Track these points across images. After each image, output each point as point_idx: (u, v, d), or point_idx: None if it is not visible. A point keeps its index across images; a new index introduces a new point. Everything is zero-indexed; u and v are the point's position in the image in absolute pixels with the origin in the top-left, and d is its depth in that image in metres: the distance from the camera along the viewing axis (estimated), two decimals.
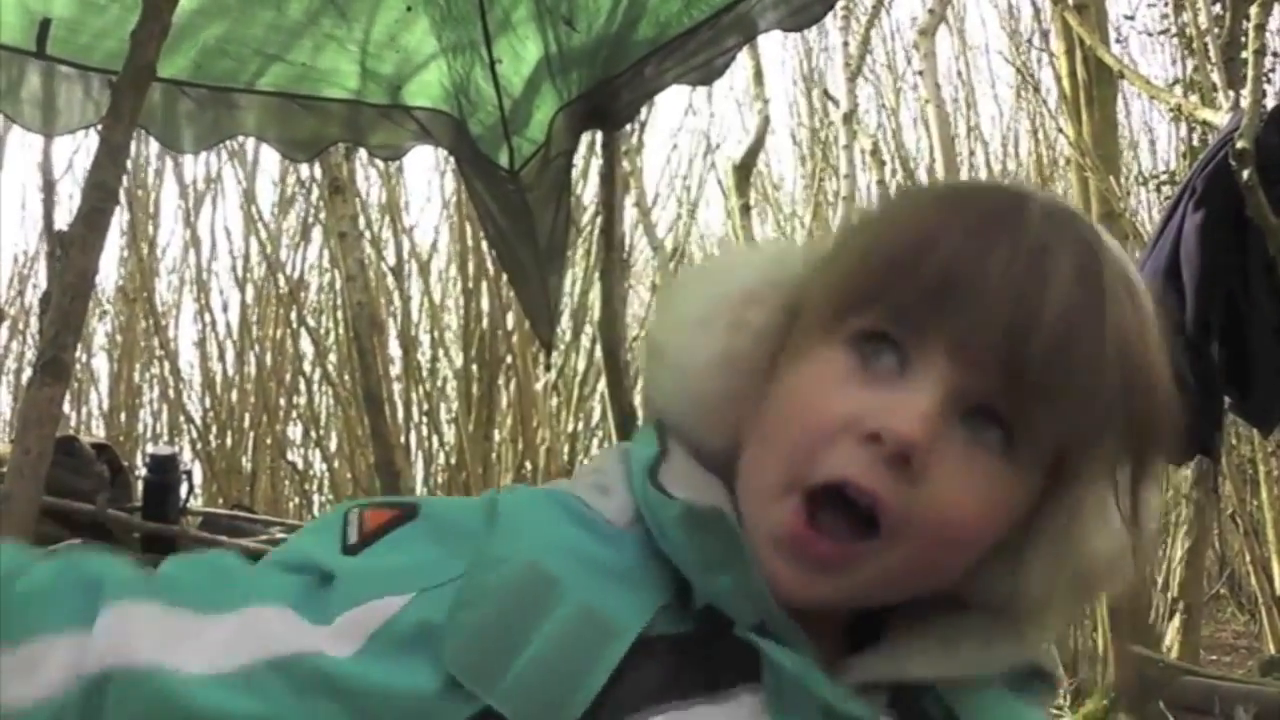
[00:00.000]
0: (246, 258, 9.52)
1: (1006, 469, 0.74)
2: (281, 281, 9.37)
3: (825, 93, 9.94)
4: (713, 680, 0.73)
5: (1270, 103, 4.05)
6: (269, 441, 9.43)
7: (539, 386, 8.33)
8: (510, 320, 8.22)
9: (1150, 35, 9.04)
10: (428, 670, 0.72)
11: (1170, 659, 6.57)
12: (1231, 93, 4.27)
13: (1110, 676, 6.68)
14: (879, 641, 0.80)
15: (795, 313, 0.81)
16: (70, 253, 2.38)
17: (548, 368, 8.26)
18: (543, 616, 0.72)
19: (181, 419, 9.36)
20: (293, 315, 9.49)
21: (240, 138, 4.18)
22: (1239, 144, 3.46)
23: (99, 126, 2.65)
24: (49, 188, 7.88)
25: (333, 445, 9.90)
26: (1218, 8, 6.76)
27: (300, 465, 9.94)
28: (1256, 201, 3.45)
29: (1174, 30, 8.42)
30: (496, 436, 8.51)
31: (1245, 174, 3.44)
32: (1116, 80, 6.60)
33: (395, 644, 0.73)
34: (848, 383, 0.74)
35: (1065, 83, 6.86)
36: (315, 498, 10.04)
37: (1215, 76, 5.03)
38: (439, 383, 9.61)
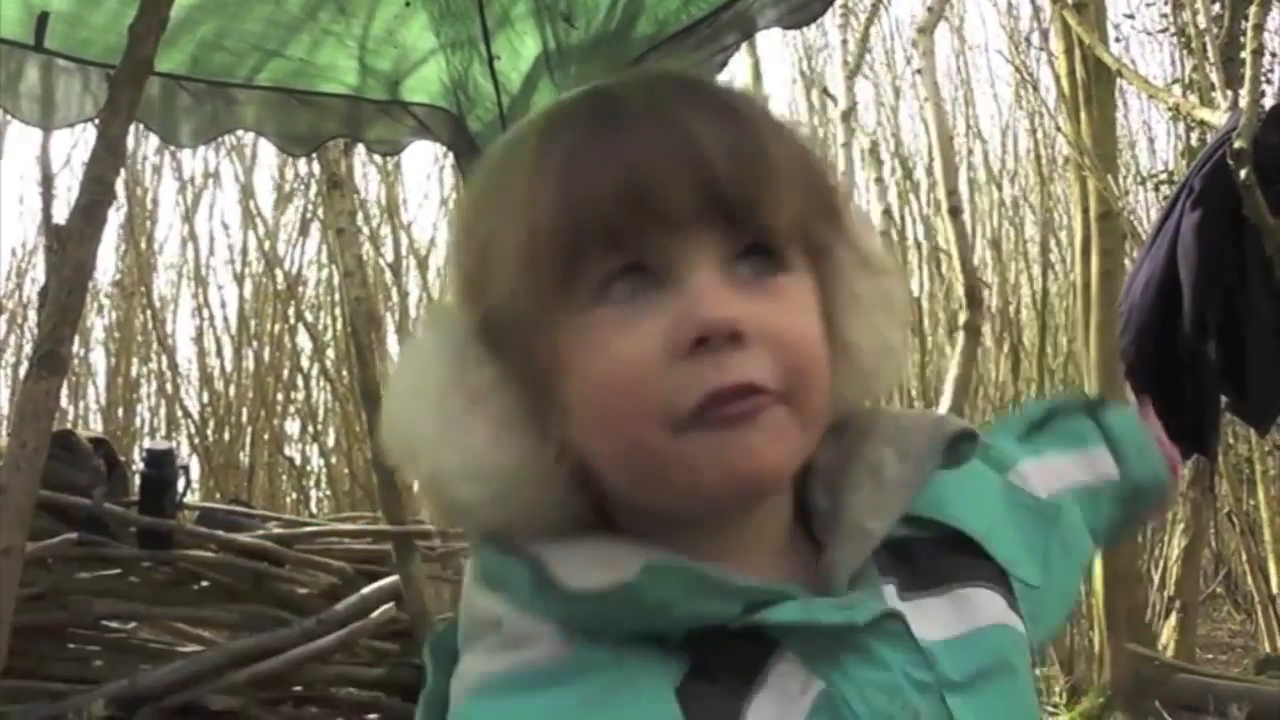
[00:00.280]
0: (245, 253, 9.53)
1: (789, 278, 0.75)
2: (280, 277, 9.37)
3: (824, 91, 9.94)
4: (746, 673, 0.73)
5: (1268, 102, 4.05)
6: (266, 437, 9.44)
7: None
8: None
9: (1150, 35, 9.05)
10: None
11: (1166, 657, 6.58)
12: (1230, 92, 4.27)
13: (1106, 675, 6.67)
14: (820, 542, 0.80)
15: (506, 330, 0.77)
16: (67, 246, 2.39)
17: None
18: None
19: (179, 414, 9.37)
20: (290, 311, 9.49)
21: (238, 132, 4.18)
22: (1237, 143, 3.46)
23: (97, 120, 2.66)
24: (47, 181, 7.88)
25: (330, 441, 9.91)
26: (1216, 7, 6.76)
27: (297, 460, 9.95)
28: (1254, 201, 3.45)
29: (1173, 29, 8.42)
30: None
31: (1243, 173, 3.44)
32: (1115, 79, 6.60)
33: None
34: (630, 330, 0.72)
35: (1064, 82, 6.86)
36: (312, 493, 10.05)
37: (1214, 76, 5.03)
38: None
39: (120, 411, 9.60)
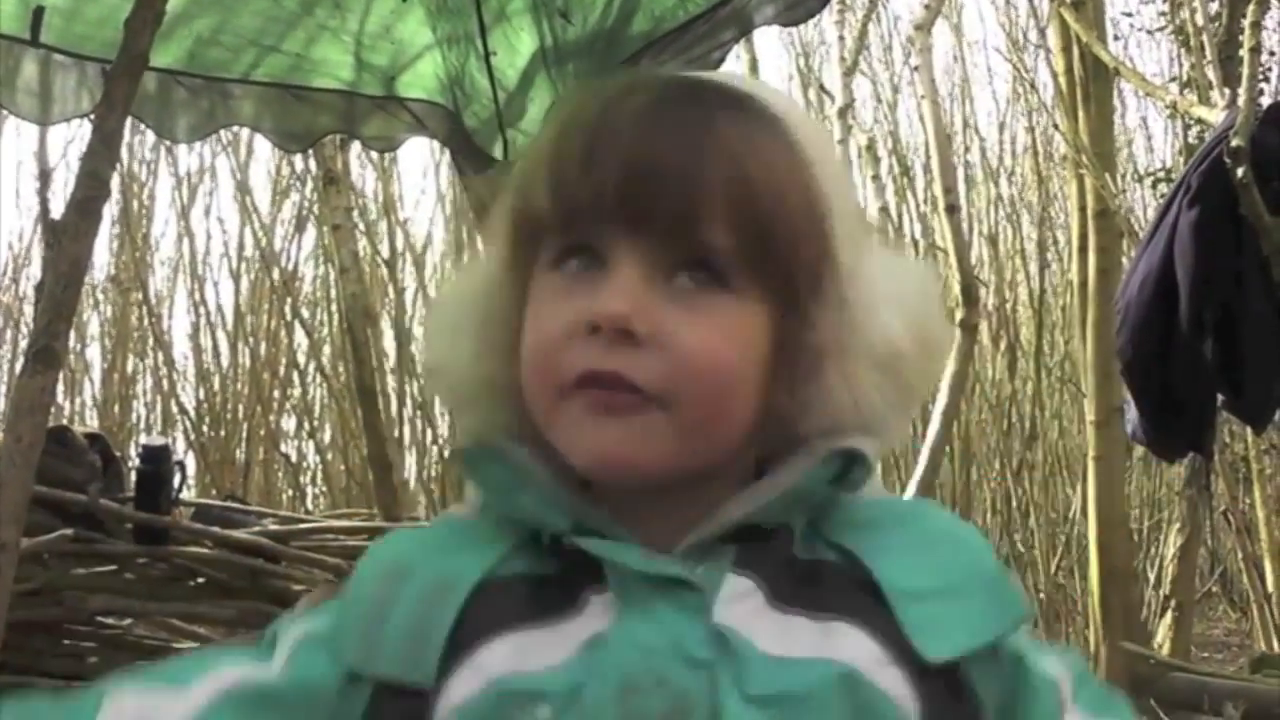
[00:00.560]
0: (241, 249, 9.52)
1: (729, 299, 0.81)
2: (275, 273, 9.36)
3: (821, 88, 9.94)
4: (569, 598, 0.80)
5: (1266, 101, 4.05)
6: (262, 433, 9.43)
7: None
8: None
9: (1149, 33, 9.04)
10: (330, 669, 0.84)
11: (1161, 656, 6.58)
12: (1227, 90, 4.27)
13: (1101, 673, 6.68)
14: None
15: (508, 260, 0.89)
16: (63, 241, 2.38)
17: None
18: (400, 594, 0.83)
19: (175, 410, 9.36)
20: (287, 307, 9.48)
21: (235, 128, 4.18)
22: (1234, 142, 3.46)
23: (92, 116, 2.65)
24: (44, 176, 7.87)
25: (326, 437, 9.90)
26: (1215, 5, 6.76)
27: (293, 457, 9.93)
28: (1251, 199, 3.45)
29: (1171, 27, 8.42)
30: None
31: (1240, 172, 3.44)
32: (1113, 77, 6.60)
33: (305, 652, 0.87)
34: (563, 299, 0.82)
35: (1061, 80, 6.85)
36: (308, 489, 10.04)
37: (1211, 74, 5.03)
38: None
39: (116, 407, 9.58)
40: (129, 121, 2.71)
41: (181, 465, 4.64)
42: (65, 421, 7.36)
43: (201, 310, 9.40)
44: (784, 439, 0.85)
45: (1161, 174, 9.00)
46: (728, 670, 0.76)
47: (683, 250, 0.80)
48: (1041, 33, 8.51)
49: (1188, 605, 7.29)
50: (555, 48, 3.40)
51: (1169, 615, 7.17)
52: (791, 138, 0.85)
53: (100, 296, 9.51)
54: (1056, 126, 8.15)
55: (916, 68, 7.54)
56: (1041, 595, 8.58)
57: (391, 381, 8.79)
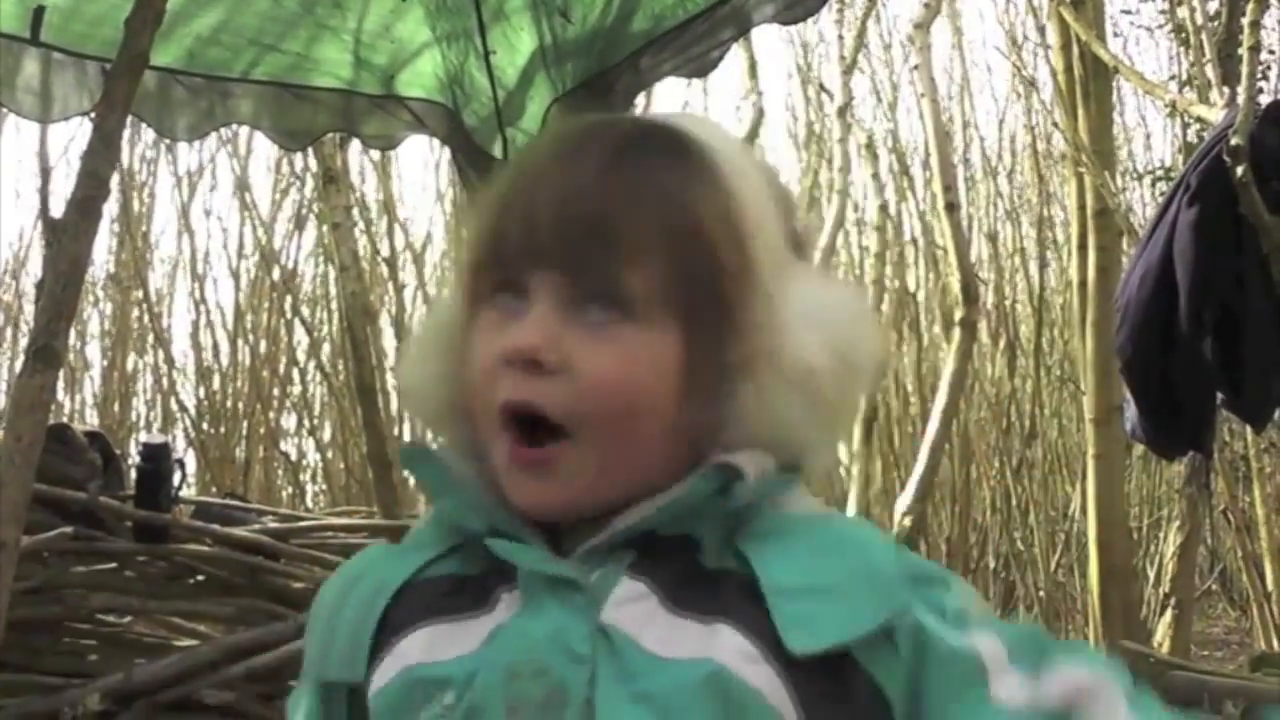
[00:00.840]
0: (241, 247, 9.52)
1: (636, 329, 0.86)
2: (275, 271, 9.37)
3: (820, 86, 9.94)
4: (484, 595, 0.88)
5: (1265, 99, 4.05)
6: (262, 431, 9.44)
7: None
8: None
9: (1148, 31, 9.05)
10: (309, 696, 0.95)
11: (1161, 654, 6.58)
12: (1227, 89, 4.27)
13: None
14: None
15: (460, 295, 0.95)
16: (63, 240, 2.39)
17: None
18: (347, 602, 0.92)
19: (175, 407, 9.36)
20: (287, 305, 9.49)
21: (234, 126, 4.18)
22: (1233, 140, 3.46)
23: (93, 114, 2.65)
24: (45, 175, 7.86)
25: (326, 435, 9.91)
26: (1214, 4, 6.76)
27: (293, 455, 9.95)
28: (1250, 198, 3.45)
29: (1170, 26, 8.42)
30: None
31: (1239, 170, 3.44)
32: (1112, 76, 6.59)
33: (296, 698, 0.97)
34: (495, 332, 0.89)
35: (1061, 78, 6.85)
36: (308, 487, 10.05)
37: (1211, 72, 5.03)
38: None
39: (116, 405, 9.59)
40: (129, 120, 2.71)
41: (181, 463, 4.64)
42: (65, 419, 7.36)
43: (201, 308, 9.41)
44: (703, 448, 0.90)
45: (1160, 172, 9.01)
46: (608, 665, 0.82)
47: (592, 284, 0.87)
48: (1041, 31, 8.51)
49: (1187, 603, 7.29)
50: (555, 46, 3.40)
51: (1169, 613, 7.17)
52: (712, 172, 0.91)
53: (100, 294, 9.51)
54: (1056, 125, 8.15)
55: (916, 66, 7.55)
56: (1041, 594, 8.59)
57: (391, 379, 8.80)
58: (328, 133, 4.10)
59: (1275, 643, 7.51)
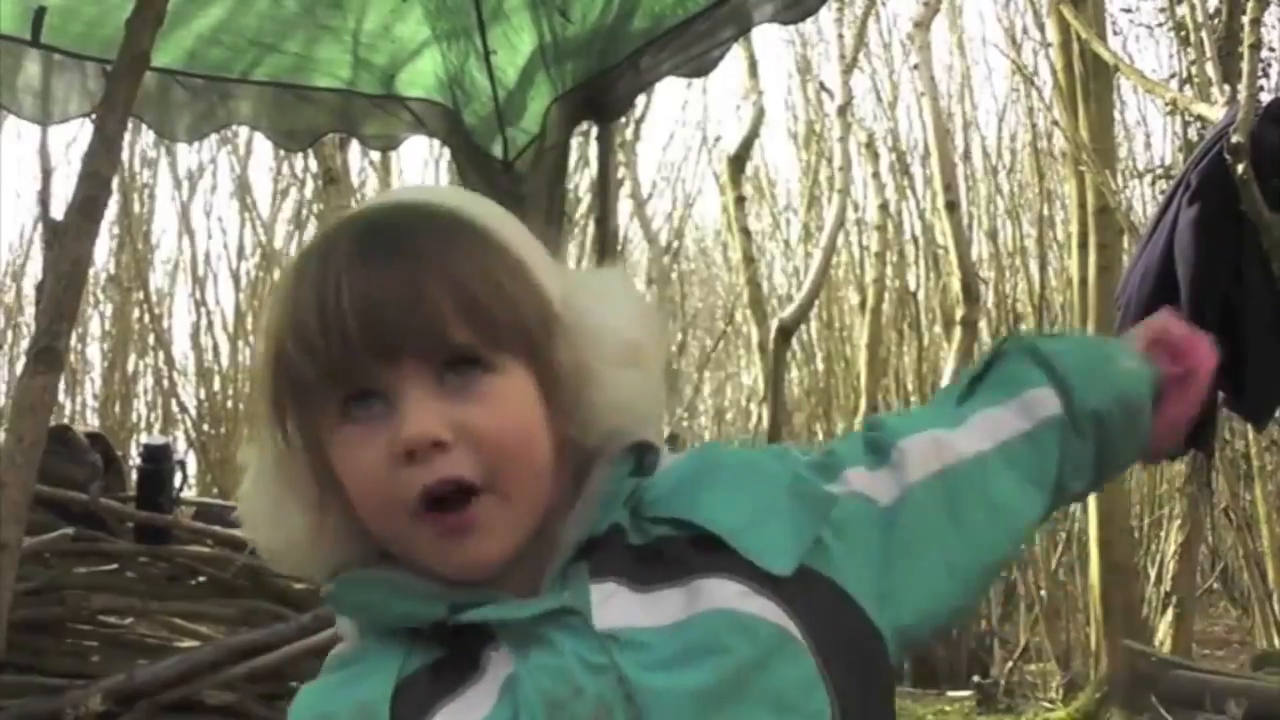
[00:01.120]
0: (241, 248, 9.52)
1: (495, 378, 0.94)
2: (276, 272, 9.37)
3: (820, 86, 9.95)
4: (470, 665, 0.92)
5: (1266, 97, 4.05)
6: None
7: None
8: None
9: (1148, 29, 9.04)
10: None
11: (1163, 653, 6.59)
12: (1227, 87, 4.26)
13: (1102, 670, 6.69)
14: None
15: (296, 430, 0.97)
16: (64, 241, 2.39)
17: None
18: None
19: (175, 408, 9.37)
20: None
21: (235, 127, 4.18)
22: (1234, 138, 3.46)
23: (93, 116, 2.65)
24: (45, 176, 7.87)
25: None
26: (1214, 2, 6.76)
27: None
28: (1251, 196, 3.45)
29: (1171, 24, 8.42)
30: None
31: (1240, 169, 3.44)
32: (1113, 74, 6.60)
33: None
34: (366, 441, 0.92)
35: (1061, 76, 6.86)
36: None
37: (1211, 70, 5.03)
38: None
39: (117, 406, 9.60)
40: (129, 121, 2.71)
41: (183, 464, 4.64)
42: (66, 421, 7.36)
43: (202, 309, 9.41)
44: (585, 454, 0.99)
45: (1160, 171, 9.01)
46: (626, 658, 0.90)
47: (438, 356, 0.92)
48: (1041, 29, 8.51)
49: (1189, 602, 7.29)
50: (555, 46, 3.40)
51: (1170, 612, 7.17)
52: (481, 231, 0.98)
53: (101, 296, 9.51)
54: (1056, 123, 8.15)
55: (916, 65, 7.55)
56: (1042, 592, 8.59)
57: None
58: (328, 133, 4.10)
59: (1277, 641, 7.51)
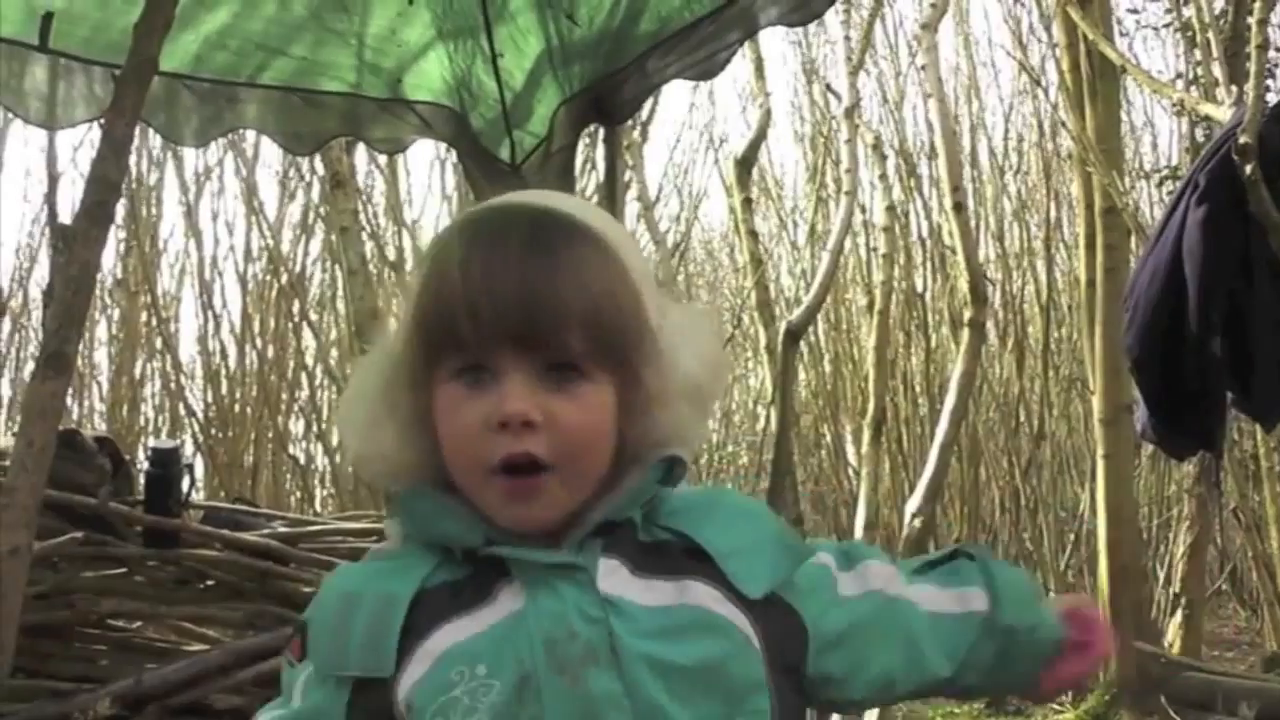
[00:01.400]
0: (248, 251, 9.53)
1: (588, 385, 1.14)
2: (283, 275, 9.38)
3: (827, 87, 9.94)
4: (484, 592, 1.13)
5: (1273, 98, 4.04)
6: (271, 435, 9.44)
7: None
8: None
9: (1154, 30, 9.03)
10: (319, 688, 1.16)
11: (1172, 655, 6.58)
12: (1234, 88, 4.26)
13: (1111, 672, 6.67)
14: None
15: (412, 372, 1.17)
16: (73, 246, 2.39)
17: None
18: (356, 613, 1.14)
19: (183, 412, 9.37)
20: (294, 309, 9.50)
21: (241, 131, 4.18)
22: (1241, 139, 3.46)
23: (101, 120, 2.65)
24: (52, 181, 7.88)
25: (334, 439, 9.90)
26: (1220, 3, 6.75)
27: (302, 459, 9.95)
28: (1258, 196, 3.45)
29: (1177, 25, 8.41)
30: None
31: (1248, 169, 3.44)
32: (1119, 75, 6.59)
33: (310, 687, 1.18)
34: (469, 404, 1.13)
35: (1068, 77, 6.85)
36: (317, 491, 10.05)
37: (1218, 71, 5.02)
38: None
39: (124, 410, 9.60)
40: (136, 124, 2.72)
41: (190, 468, 4.64)
42: (74, 424, 7.37)
43: (209, 313, 9.41)
44: (629, 455, 1.19)
45: (1167, 172, 8.99)
46: (618, 620, 1.11)
47: (550, 358, 1.12)
48: (1048, 30, 8.50)
49: (1198, 604, 7.28)
50: (562, 49, 3.40)
51: (1179, 614, 7.16)
52: (612, 251, 1.17)
53: (108, 300, 9.52)
54: (1063, 124, 8.13)
55: (923, 66, 7.55)
56: (1051, 594, 8.57)
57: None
58: (335, 137, 4.10)
59: None
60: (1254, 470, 8.10)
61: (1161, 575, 8.25)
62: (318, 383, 9.92)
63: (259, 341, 9.49)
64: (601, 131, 3.85)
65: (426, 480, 1.18)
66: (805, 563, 1.24)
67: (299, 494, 9.82)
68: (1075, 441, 9.99)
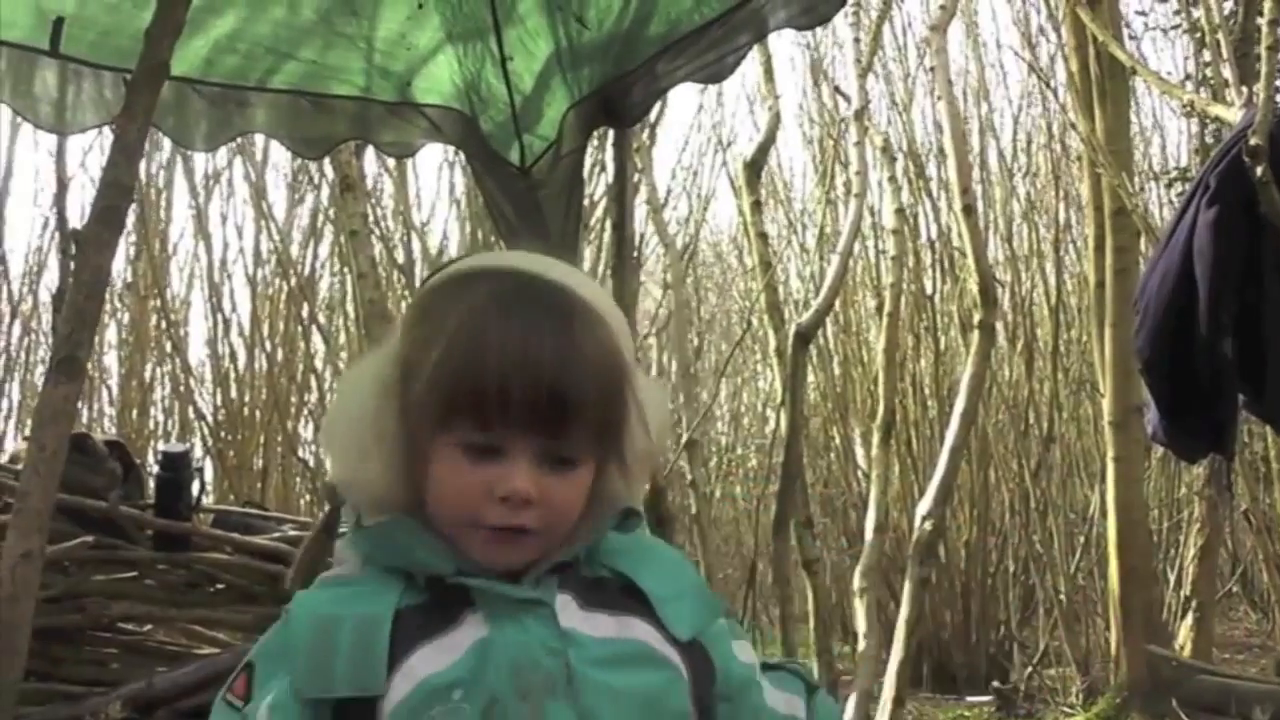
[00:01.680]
0: (257, 254, 9.54)
1: (580, 468, 1.25)
2: (292, 278, 9.39)
3: (836, 89, 9.93)
4: (450, 617, 1.20)
5: None
6: (280, 438, 9.45)
7: None
8: None
9: (1164, 32, 9.02)
10: (290, 714, 1.18)
11: (1183, 657, 6.56)
12: (1244, 89, 4.25)
13: (1122, 675, 6.67)
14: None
15: (409, 416, 1.24)
16: (85, 250, 2.39)
17: None
18: (339, 635, 1.19)
19: (192, 415, 9.38)
20: (304, 312, 9.50)
21: (250, 135, 4.18)
22: (1252, 140, 3.45)
23: (112, 125, 2.65)
24: (61, 185, 7.89)
25: None
26: (1230, 4, 6.74)
27: (312, 462, 9.95)
28: (1269, 198, 3.44)
29: (1186, 26, 8.40)
30: None
31: (1258, 171, 3.43)
32: (1129, 76, 6.58)
33: (271, 716, 1.19)
34: (470, 470, 1.21)
35: (1077, 78, 6.85)
36: None
37: (1227, 72, 5.01)
38: None
39: (134, 414, 9.61)
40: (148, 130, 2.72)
41: (201, 471, 4.65)
42: (84, 428, 7.38)
43: (218, 316, 9.42)
44: (592, 511, 1.29)
45: (1177, 173, 8.98)
46: (573, 651, 1.20)
47: (555, 449, 1.22)
48: (1057, 31, 8.49)
49: (1208, 606, 7.27)
50: (571, 52, 3.41)
51: (1190, 616, 7.15)
52: (616, 338, 1.29)
53: (118, 303, 9.53)
54: (1073, 125, 8.13)
55: (932, 69, 7.54)
56: (1061, 596, 8.56)
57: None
58: (344, 141, 4.10)
59: None
60: (1265, 472, 8.09)
61: (1172, 578, 8.24)
62: (327, 386, 9.92)
63: (268, 344, 9.49)
64: (611, 134, 3.85)
65: (402, 511, 1.26)
66: (717, 618, 1.35)
67: (308, 497, 9.82)
68: (1085, 444, 9.97)
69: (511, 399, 1.19)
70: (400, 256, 9.22)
